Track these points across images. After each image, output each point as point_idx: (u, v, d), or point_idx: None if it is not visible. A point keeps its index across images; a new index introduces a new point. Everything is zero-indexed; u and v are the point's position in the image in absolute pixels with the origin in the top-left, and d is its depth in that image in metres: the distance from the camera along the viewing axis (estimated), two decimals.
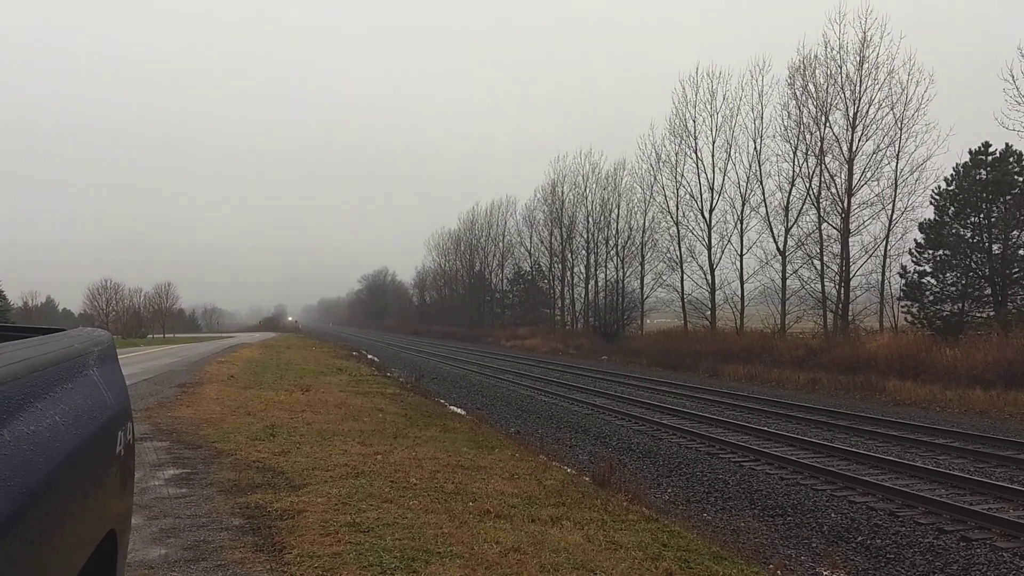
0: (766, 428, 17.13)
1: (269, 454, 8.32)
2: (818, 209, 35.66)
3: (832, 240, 35.30)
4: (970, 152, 29.65)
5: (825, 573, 9.12)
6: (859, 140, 33.94)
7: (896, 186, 33.00)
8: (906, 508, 10.55)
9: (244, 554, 4.80)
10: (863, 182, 33.95)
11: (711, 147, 42.82)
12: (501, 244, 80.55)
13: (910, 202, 32.74)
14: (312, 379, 21.97)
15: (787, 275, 37.79)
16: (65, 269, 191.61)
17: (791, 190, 37.26)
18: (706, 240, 43.18)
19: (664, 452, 15.54)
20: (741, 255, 40.96)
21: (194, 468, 7.61)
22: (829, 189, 35.22)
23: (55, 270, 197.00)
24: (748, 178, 40.41)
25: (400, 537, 5.16)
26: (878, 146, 33.48)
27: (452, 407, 22.30)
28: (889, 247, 33.22)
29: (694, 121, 43.61)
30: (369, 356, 47.10)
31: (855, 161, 33.99)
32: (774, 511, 11.32)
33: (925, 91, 32.45)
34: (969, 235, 29.31)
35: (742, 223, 40.97)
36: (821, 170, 35.43)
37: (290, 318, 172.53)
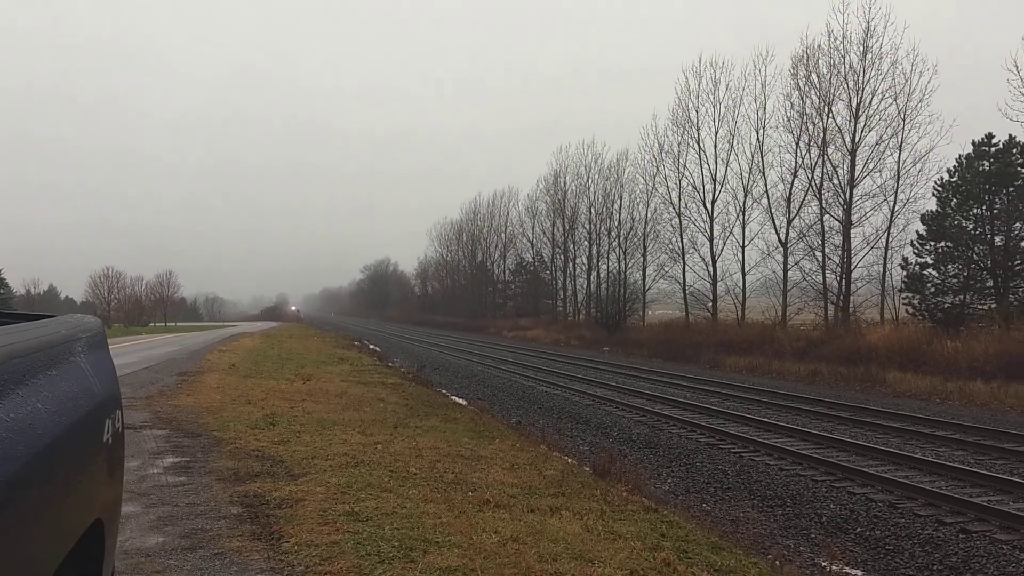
0: (766, 419, 17.12)
1: (269, 443, 8.32)
2: (820, 200, 35.59)
3: (834, 232, 35.27)
4: (973, 143, 29.53)
5: (824, 564, 9.14)
6: (862, 131, 33.85)
7: (899, 177, 32.93)
8: (905, 500, 10.54)
9: (242, 543, 4.80)
10: (865, 173, 33.91)
11: (714, 137, 42.75)
12: (503, 234, 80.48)
13: (912, 193, 32.68)
14: (313, 369, 21.97)
15: (788, 267, 37.74)
16: (67, 258, 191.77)
17: (793, 181, 37.20)
18: (708, 231, 43.15)
19: (664, 443, 15.55)
20: (743, 246, 40.94)
21: (193, 456, 7.61)
22: (831, 180, 35.16)
23: (57, 259, 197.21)
24: (751, 169, 40.35)
25: (399, 526, 5.15)
26: (881, 137, 33.40)
27: (454, 397, 22.32)
28: (891, 239, 33.20)
29: (697, 111, 43.53)
30: (371, 346, 47.15)
31: (857, 152, 33.88)
32: (773, 502, 11.33)
33: (928, 81, 32.35)
34: (971, 227, 29.22)
35: (744, 214, 40.93)
36: (823, 161, 35.34)
37: (293, 307, 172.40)
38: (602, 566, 4.66)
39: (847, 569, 8.94)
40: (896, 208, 32.94)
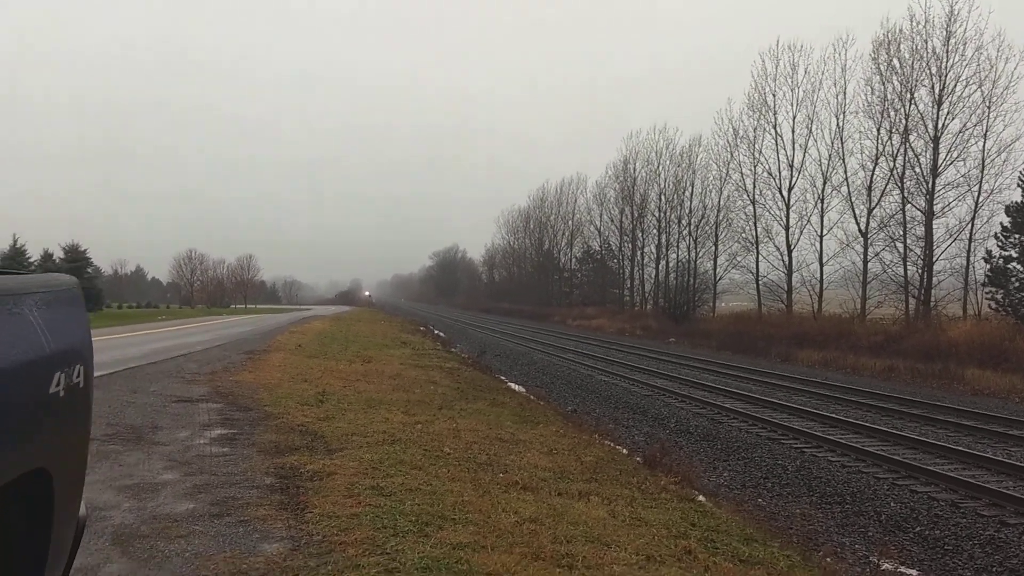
0: (833, 415, 16.62)
1: (314, 419, 8.49)
2: (902, 190, 34.27)
3: (916, 222, 33.90)
4: None
5: (878, 562, 8.83)
6: (945, 118, 32.42)
7: (983, 167, 31.49)
8: (969, 499, 10.12)
9: (268, 511, 4.91)
10: (949, 162, 32.44)
11: (791, 123, 41.52)
12: (571, 222, 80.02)
13: (997, 184, 31.20)
14: (375, 351, 22.33)
15: (868, 258, 36.48)
16: (153, 245, 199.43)
17: (874, 169, 35.92)
18: (784, 220, 42.00)
19: (723, 436, 15.26)
20: (821, 236, 39.67)
21: (240, 429, 7.83)
22: (913, 169, 33.80)
23: (144, 247, 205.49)
24: (830, 156, 39.04)
25: (420, 502, 5.18)
26: (964, 125, 31.95)
27: (511, 384, 22.37)
28: (975, 230, 31.75)
29: (774, 95, 42.36)
30: (436, 331, 47.66)
31: (940, 140, 32.47)
32: (832, 498, 11.03)
33: (1015, 68, 30.89)
34: None
35: (823, 203, 39.67)
36: (905, 149, 34.00)
37: (366, 292, 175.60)
38: (618, 550, 4.58)
39: (902, 568, 8.63)
40: (980, 199, 31.53)
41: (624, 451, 13.38)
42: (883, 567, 8.79)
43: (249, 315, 58.47)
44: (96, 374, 8.60)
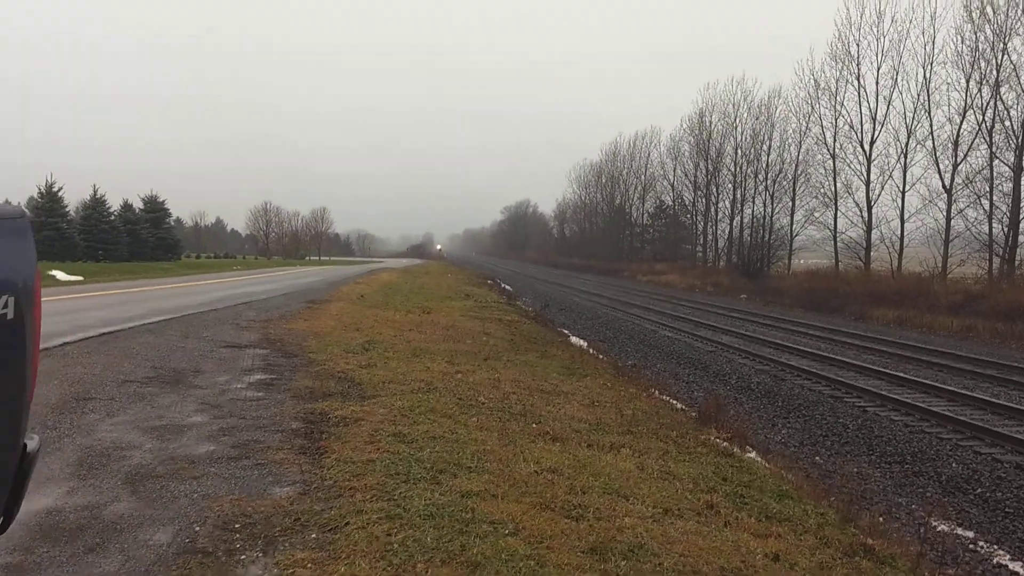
0: (901, 374, 16.00)
1: (355, 366, 8.56)
2: (990, 144, 32.37)
3: (1004, 179, 32.04)
4: None
5: (935, 524, 8.51)
6: None
7: None
8: None
9: (287, 455, 4.95)
10: None
11: (875, 74, 39.47)
12: (643, 177, 78.54)
13: None
14: (437, 303, 22.48)
15: (952, 215, 34.76)
16: (234, 197, 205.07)
17: (961, 122, 33.93)
18: (864, 175, 40.23)
19: (785, 393, 14.89)
20: (903, 192, 37.91)
21: (280, 375, 7.95)
22: (1003, 122, 31.83)
23: (225, 199, 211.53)
24: (915, 108, 37.04)
25: (440, 450, 5.14)
26: None
27: (572, 337, 22.27)
28: None
29: (858, 45, 40.27)
30: (503, 285, 47.81)
31: None
32: (892, 458, 10.67)
33: None
34: None
35: (906, 157, 37.79)
36: (996, 101, 32.02)
37: (438, 246, 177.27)
38: (635, 503, 4.46)
39: (958, 530, 8.31)
40: None
41: (680, 405, 13.20)
42: (938, 528, 8.48)
43: (321, 266, 59.73)
44: (156, 319, 8.84)
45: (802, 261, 51.91)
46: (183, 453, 4.94)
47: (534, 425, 6.41)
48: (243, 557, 3.39)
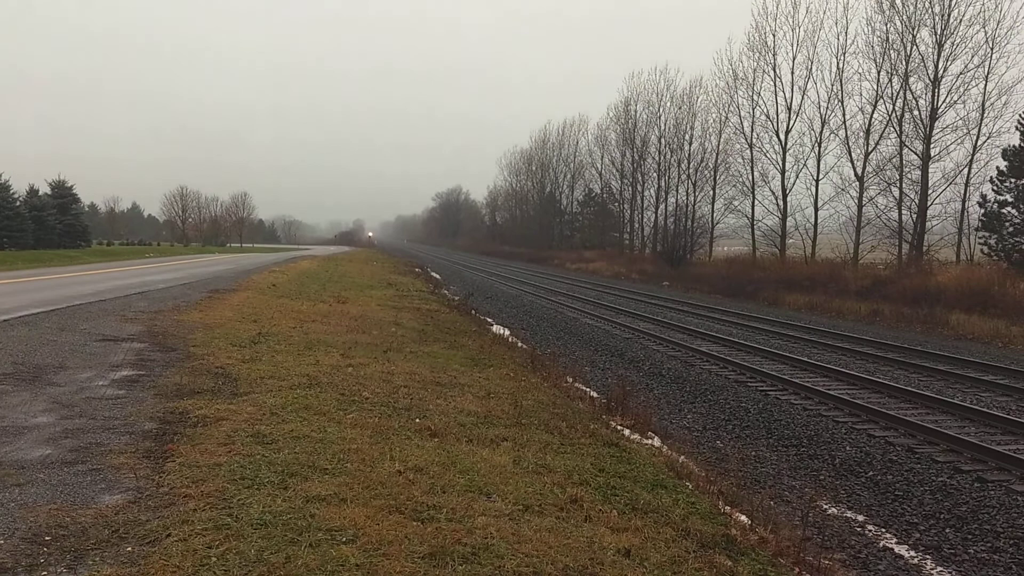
0: (805, 358, 16.36)
1: (237, 360, 8.17)
2: (900, 133, 33.47)
3: (913, 167, 33.19)
4: None
5: (825, 507, 8.64)
6: (946, 60, 31.48)
7: (983, 110, 30.68)
8: (927, 444, 9.89)
9: (128, 459, 4.61)
10: (948, 105, 31.60)
11: (791, 64, 40.41)
12: (572, 164, 79.00)
13: (996, 127, 30.41)
14: (355, 292, 22.02)
15: (863, 202, 35.85)
16: (152, 185, 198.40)
17: (873, 112, 34.99)
18: (780, 163, 41.25)
19: (693, 378, 15.06)
20: (817, 180, 38.92)
21: (150, 371, 7.51)
22: (912, 112, 32.95)
23: (141, 185, 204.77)
24: (829, 98, 38.04)
25: (300, 451, 4.88)
26: (966, 66, 31.03)
27: (496, 326, 22.12)
28: (972, 175, 31.07)
29: (774, 35, 41.12)
30: (432, 273, 47.37)
31: (941, 82, 31.58)
32: (789, 441, 10.86)
33: (1021, 7, 29.87)
34: None
35: (820, 146, 38.82)
36: (905, 91, 33.11)
37: (369, 234, 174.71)
38: (499, 500, 4.31)
39: (848, 513, 8.46)
40: (979, 143, 30.75)
41: (593, 393, 13.20)
42: (828, 511, 8.62)
43: (239, 254, 58.09)
44: (36, 311, 8.27)
45: (724, 249, 53.01)
46: (13, 458, 4.55)
47: (417, 420, 6.20)
48: (44, 574, 3.10)
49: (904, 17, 32.83)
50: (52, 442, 4.91)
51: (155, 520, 3.66)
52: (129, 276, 24.29)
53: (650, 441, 10.36)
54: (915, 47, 32.56)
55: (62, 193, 53.73)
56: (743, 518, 7.01)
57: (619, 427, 10.40)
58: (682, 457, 9.94)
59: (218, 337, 9.86)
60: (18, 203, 47.97)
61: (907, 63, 32.84)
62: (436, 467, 4.82)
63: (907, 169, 33.43)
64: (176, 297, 15.86)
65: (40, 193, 51.99)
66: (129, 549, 3.34)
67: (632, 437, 10.02)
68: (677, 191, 55.67)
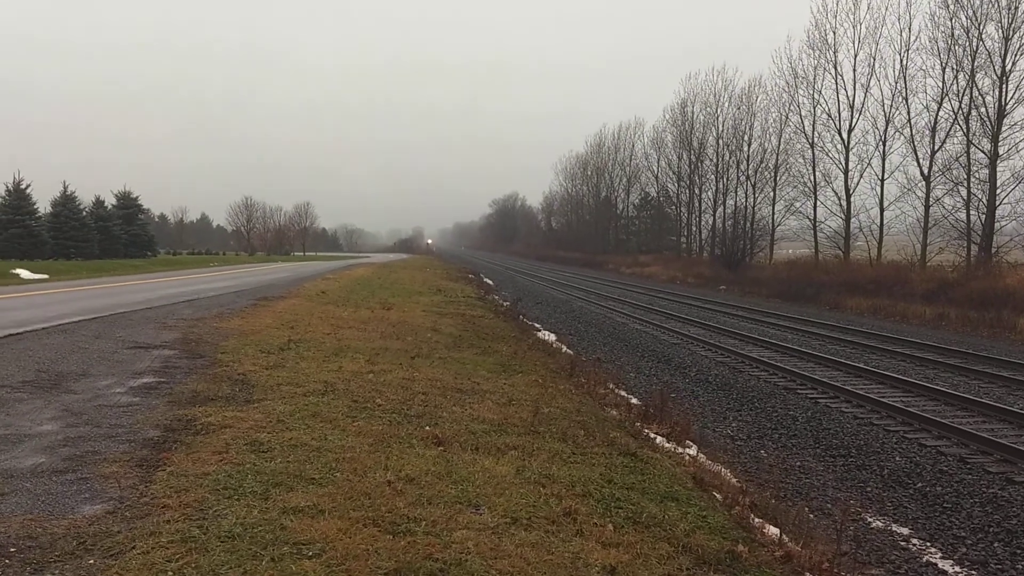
0: (861, 364, 15.74)
1: (261, 367, 8.16)
2: (966, 131, 32.14)
3: (981, 165, 31.82)
4: None
5: (871, 520, 8.25)
6: (1014, 55, 30.13)
7: None
8: (980, 454, 9.37)
9: (120, 468, 4.56)
10: (1017, 101, 30.23)
11: (852, 61, 39.26)
12: (628, 168, 78.19)
13: None
14: (402, 298, 22.11)
15: (930, 203, 34.54)
16: (220, 194, 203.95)
17: (939, 110, 33.69)
18: (843, 163, 40.05)
19: (740, 385, 14.64)
20: (882, 180, 37.65)
21: (171, 378, 7.54)
22: (979, 109, 31.62)
23: (211, 196, 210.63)
24: (893, 96, 36.78)
25: (292, 460, 4.78)
26: None
27: (543, 332, 21.94)
28: None
29: (834, 33, 40.03)
30: (485, 279, 47.41)
31: (1009, 78, 30.25)
32: (836, 451, 10.43)
33: None
34: None
35: (884, 145, 37.55)
36: (971, 88, 31.79)
37: (428, 241, 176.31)
38: (487, 512, 4.13)
39: (893, 526, 8.06)
40: None
41: (634, 400, 12.92)
42: (873, 524, 8.21)
43: (301, 263, 59.16)
44: (78, 319, 8.40)
45: (789, 252, 51.69)
46: (4, 467, 4.55)
47: (427, 428, 6.06)
48: None
49: (969, 12, 31.61)
50: (49, 451, 4.92)
51: (125, 532, 3.59)
52: (186, 284, 24.84)
53: (686, 450, 10.04)
54: (981, 42, 31.31)
55: (127, 204, 55.34)
56: (773, 532, 6.69)
57: (653, 435, 10.09)
58: (720, 466, 9.67)
59: (249, 344, 9.91)
60: (84, 214, 49.55)
61: (973, 59, 31.58)
62: (430, 477, 4.66)
63: (975, 168, 32.12)
64: (223, 304, 16.10)
65: (106, 204, 53.60)
66: (91, 561, 3.27)
67: (666, 446, 9.72)
68: (736, 193, 54.68)
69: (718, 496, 7.65)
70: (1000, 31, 30.39)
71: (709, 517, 4.92)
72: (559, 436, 6.48)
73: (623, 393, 13.97)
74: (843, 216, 40.22)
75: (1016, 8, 29.83)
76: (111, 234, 50.55)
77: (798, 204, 45.60)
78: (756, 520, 7.25)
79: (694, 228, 63.02)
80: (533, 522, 4.08)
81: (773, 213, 49.29)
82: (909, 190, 35.89)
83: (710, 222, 59.20)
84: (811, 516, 8.34)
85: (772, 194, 49.17)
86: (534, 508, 4.30)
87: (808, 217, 43.69)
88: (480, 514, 4.12)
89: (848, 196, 39.76)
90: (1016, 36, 29.94)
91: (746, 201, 52.27)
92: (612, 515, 4.45)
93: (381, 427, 5.92)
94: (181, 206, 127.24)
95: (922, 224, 34.95)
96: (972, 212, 32.11)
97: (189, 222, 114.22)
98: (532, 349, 14.01)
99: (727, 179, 56.00)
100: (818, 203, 42.54)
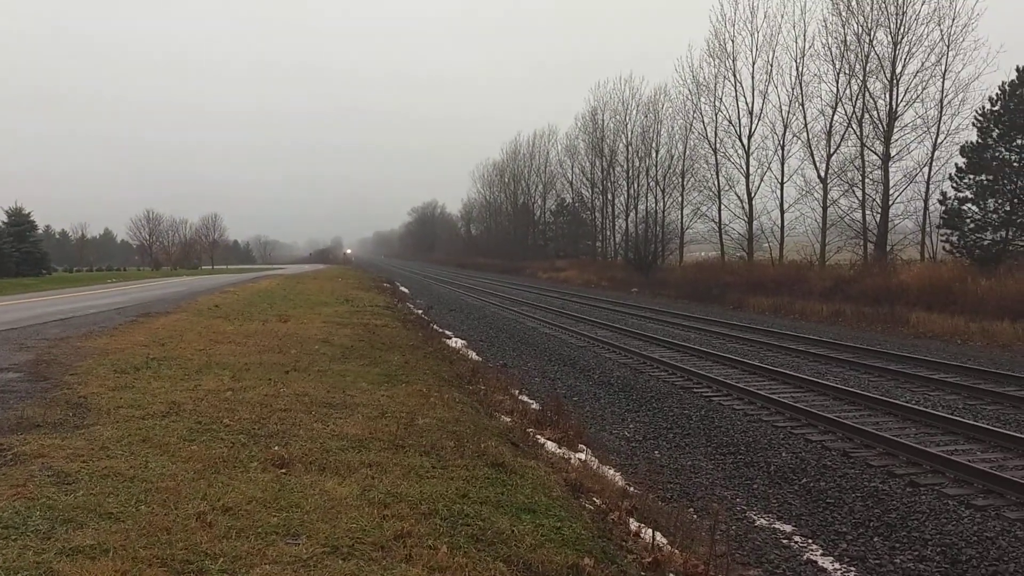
0: (756, 361, 15.93)
1: (107, 388, 7.53)
2: (860, 134, 33.34)
3: (875, 167, 33.06)
4: (1017, 69, 26.84)
5: (755, 518, 8.17)
6: (904, 59, 31.43)
7: (941, 108, 30.60)
8: (863, 448, 9.46)
9: None
10: (907, 104, 31.53)
11: (751, 69, 40.30)
12: (544, 175, 78.77)
13: (955, 125, 30.30)
14: (304, 310, 21.40)
15: (827, 204, 35.67)
16: (122, 206, 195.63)
17: (833, 114, 34.85)
18: (744, 167, 41.06)
19: (641, 386, 14.60)
20: (782, 183, 38.72)
21: (2, 403, 6.88)
22: (871, 112, 32.84)
23: (111, 207, 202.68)
24: (790, 102, 37.89)
25: (96, 493, 4.28)
26: (923, 64, 30.98)
27: (453, 339, 21.61)
28: (932, 173, 30.96)
29: (732, 41, 41.01)
30: (401, 288, 46.73)
31: (899, 82, 31.53)
32: (726, 449, 10.42)
33: (975, 4, 29.90)
34: (1014, 159, 26.77)
35: (783, 149, 38.65)
36: (864, 92, 32.99)
37: (347, 251, 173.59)
38: (305, 542, 3.75)
39: (777, 524, 7.98)
40: (938, 140, 30.66)
41: (535, 405, 12.70)
42: (757, 522, 8.13)
43: (206, 276, 57.05)
44: None
45: (700, 254, 52.74)
46: None
47: (275, 448, 5.62)
48: None
49: (860, 18, 32.81)
50: None
51: None
52: (72, 302, 23.47)
53: (576, 455, 9.82)
54: (872, 48, 32.53)
55: (19, 221, 52.36)
56: (648, 536, 6.50)
57: (544, 440, 9.86)
58: (610, 469, 9.48)
59: (105, 364, 9.19)
60: None
61: (865, 64, 32.82)
62: (254, 505, 4.24)
63: (869, 170, 33.35)
64: (98, 323, 15.13)
65: None
66: None
67: (556, 452, 9.50)
68: (647, 198, 55.58)
69: (596, 502, 7.44)
70: (889, 36, 31.65)
71: (565, 528, 4.65)
72: (424, 450, 6.13)
73: (525, 398, 13.75)
74: (746, 219, 41.24)
75: (904, 14, 31.10)
76: (2, 253, 47.70)
77: (704, 208, 46.59)
78: (634, 524, 7.05)
79: (608, 233, 63.76)
80: (355, 550, 3.72)
81: (682, 217, 50.26)
82: (808, 193, 37.02)
83: (623, 227, 60.00)
84: (695, 517, 8.23)
85: (680, 199, 50.13)
86: (363, 533, 3.93)
87: (714, 220, 44.66)
88: (296, 545, 3.73)
89: (750, 199, 40.78)
90: (905, 41, 31.24)
91: (656, 206, 53.18)
92: (453, 535, 4.12)
93: (220, 450, 5.44)
94: (81, 221, 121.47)
95: (820, 225, 36.04)
96: (867, 212, 33.28)
97: (91, 238, 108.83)
98: (428, 357, 13.60)
99: (638, 185, 56.91)
100: (723, 207, 43.52)
